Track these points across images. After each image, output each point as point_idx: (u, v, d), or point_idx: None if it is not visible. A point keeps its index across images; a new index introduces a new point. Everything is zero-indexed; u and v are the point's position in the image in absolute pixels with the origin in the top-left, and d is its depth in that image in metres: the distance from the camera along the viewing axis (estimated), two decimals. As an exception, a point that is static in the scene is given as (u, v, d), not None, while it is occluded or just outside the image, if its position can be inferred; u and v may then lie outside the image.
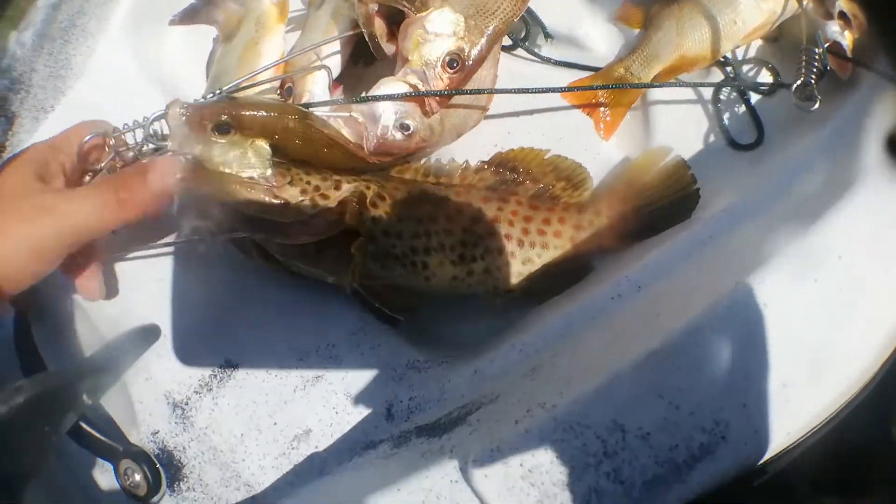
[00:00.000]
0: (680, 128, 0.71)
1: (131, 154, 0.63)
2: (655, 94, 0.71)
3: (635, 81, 0.69)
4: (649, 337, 0.52)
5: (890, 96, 0.64)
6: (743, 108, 0.73)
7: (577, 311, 0.59)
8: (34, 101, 0.85)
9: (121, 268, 0.71)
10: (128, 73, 0.82)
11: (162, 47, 0.84)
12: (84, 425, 0.65)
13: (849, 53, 0.68)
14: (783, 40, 0.75)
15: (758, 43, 0.76)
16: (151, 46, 0.83)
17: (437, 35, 0.62)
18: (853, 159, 0.61)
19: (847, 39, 0.69)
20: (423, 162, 0.63)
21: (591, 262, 0.65)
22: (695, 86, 0.72)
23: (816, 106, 0.66)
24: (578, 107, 0.69)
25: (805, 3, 0.71)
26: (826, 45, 0.68)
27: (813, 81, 0.67)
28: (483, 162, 0.64)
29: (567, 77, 0.72)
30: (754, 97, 0.73)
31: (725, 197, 0.65)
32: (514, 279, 0.62)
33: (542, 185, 0.64)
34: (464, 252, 0.60)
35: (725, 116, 0.72)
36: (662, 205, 0.65)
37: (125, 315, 0.69)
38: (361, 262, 0.58)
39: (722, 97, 0.73)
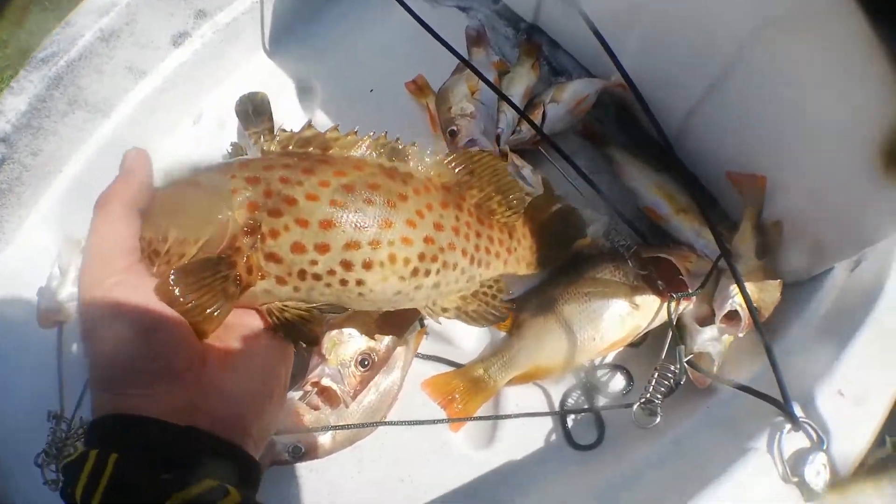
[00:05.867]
0: (525, 425, 0.79)
1: None
2: (507, 393, 0.79)
3: (492, 383, 0.77)
4: None
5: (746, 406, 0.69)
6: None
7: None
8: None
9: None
10: (50, 253, 0.88)
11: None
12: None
13: (717, 362, 0.75)
14: (648, 345, 0.83)
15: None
16: (79, 229, 0.85)
17: (351, 335, 0.72)
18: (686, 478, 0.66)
19: (722, 345, 0.76)
20: (374, 136, 0.51)
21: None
22: (537, 415, 0.80)
23: (657, 421, 0.73)
24: (436, 400, 0.76)
25: (674, 316, 0.77)
26: (688, 358, 0.74)
27: (659, 399, 0.74)
28: (447, 155, 0.55)
29: (431, 370, 0.80)
30: (603, 398, 0.81)
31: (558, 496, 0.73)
32: (455, 297, 0.56)
33: (483, 195, 0.58)
34: (418, 267, 0.50)
35: (570, 417, 0.80)
36: (557, 241, 0.67)
37: None
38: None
39: (570, 400, 0.81)
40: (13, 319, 0.88)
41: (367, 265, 0.48)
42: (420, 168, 0.53)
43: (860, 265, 0.77)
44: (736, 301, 0.75)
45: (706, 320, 0.78)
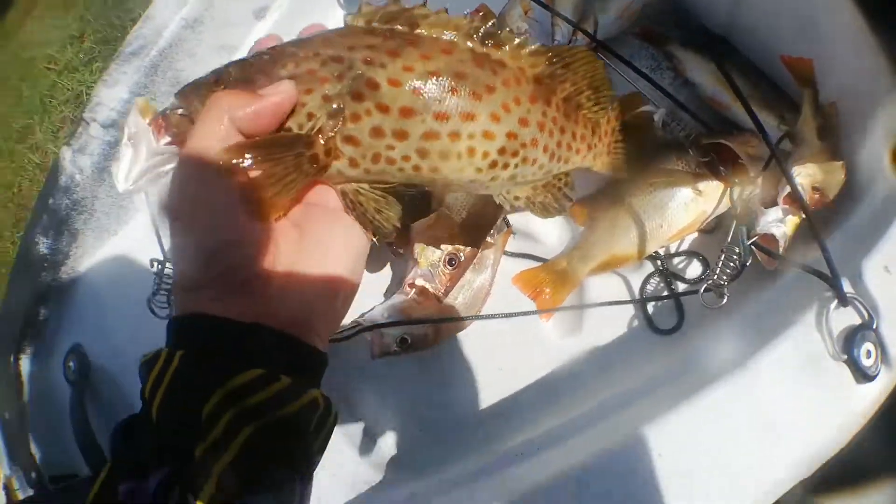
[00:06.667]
0: (609, 312, 0.85)
1: None
2: (590, 283, 0.86)
3: (574, 274, 0.84)
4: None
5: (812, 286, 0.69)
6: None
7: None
8: (97, 223, 1.03)
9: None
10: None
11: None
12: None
13: (784, 242, 0.76)
14: (719, 231, 0.87)
15: (694, 234, 0.88)
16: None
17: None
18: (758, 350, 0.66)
19: (787, 226, 0.77)
20: (466, 13, 0.49)
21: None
22: (619, 303, 0.86)
23: (724, 302, 0.76)
24: (527, 293, 0.84)
25: (736, 200, 0.80)
26: (753, 240, 0.77)
27: (724, 282, 0.77)
28: (543, 45, 0.53)
29: (521, 266, 0.88)
30: (681, 284, 0.86)
31: (641, 376, 0.79)
32: (529, 190, 0.58)
33: (575, 89, 0.57)
34: (497, 160, 0.50)
35: (651, 304, 0.86)
36: (633, 144, 0.68)
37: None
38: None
39: (649, 287, 0.86)
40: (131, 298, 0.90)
41: (444, 156, 0.48)
42: (514, 57, 0.51)
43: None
44: (798, 181, 0.76)
45: (771, 202, 0.79)
